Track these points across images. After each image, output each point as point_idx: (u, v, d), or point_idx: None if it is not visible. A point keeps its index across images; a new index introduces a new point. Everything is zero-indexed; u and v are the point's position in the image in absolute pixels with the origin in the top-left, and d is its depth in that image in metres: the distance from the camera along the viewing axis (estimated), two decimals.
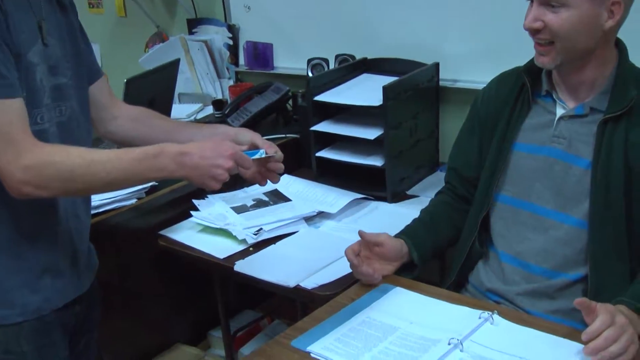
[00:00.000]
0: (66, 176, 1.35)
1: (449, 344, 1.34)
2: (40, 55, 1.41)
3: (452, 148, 1.88)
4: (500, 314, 1.45)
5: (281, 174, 1.62)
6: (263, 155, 1.54)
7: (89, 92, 1.61)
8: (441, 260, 2.46)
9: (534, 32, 1.54)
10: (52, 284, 1.50)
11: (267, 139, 1.61)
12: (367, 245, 1.67)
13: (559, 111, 1.62)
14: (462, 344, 1.34)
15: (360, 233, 1.66)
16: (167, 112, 2.74)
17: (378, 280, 1.64)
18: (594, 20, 1.48)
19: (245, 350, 2.46)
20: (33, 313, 1.47)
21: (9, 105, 1.31)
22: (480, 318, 1.43)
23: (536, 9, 1.52)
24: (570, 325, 1.47)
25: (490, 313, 1.44)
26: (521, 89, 1.69)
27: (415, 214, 1.87)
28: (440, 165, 2.54)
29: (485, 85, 1.82)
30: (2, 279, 1.43)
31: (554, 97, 1.63)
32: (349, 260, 1.64)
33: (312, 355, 1.38)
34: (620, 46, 1.59)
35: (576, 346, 1.31)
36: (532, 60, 1.63)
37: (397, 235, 1.73)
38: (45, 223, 1.48)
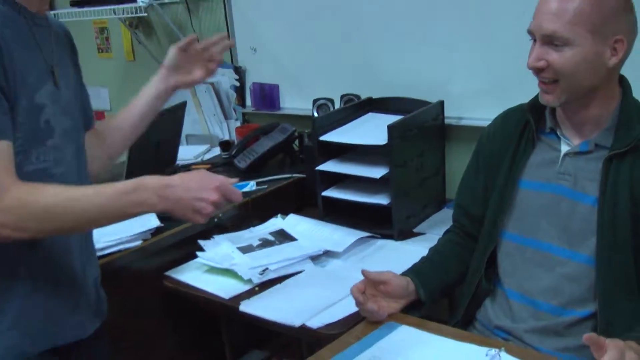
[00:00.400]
0: (41, 216, 1.33)
1: None
2: (50, 97, 1.43)
3: (459, 186, 1.88)
4: (508, 351, 1.44)
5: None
6: (253, 188, 1.54)
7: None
8: (449, 297, 2.45)
9: (537, 71, 1.55)
10: (45, 326, 1.48)
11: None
12: (372, 284, 1.66)
13: (564, 148, 1.62)
14: None
15: (364, 272, 1.65)
16: (174, 153, 2.76)
17: (383, 317, 1.63)
18: (598, 58, 1.49)
19: None
20: (16, 356, 1.43)
21: None
22: (487, 356, 1.42)
23: (539, 48, 1.53)
24: None
25: (497, 350, 1.43)
26: (525, 126, 1.69)
27: (423, 251, 1.87)
28: (446, 203, 2.54)
29: (490, 123, 1.82)
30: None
31: (558, 134, 1.64)
32: (354, 298, 1.63)
33: None
34: (623, 83, 1.59)
35: None
36: (536, 97, 1.63)
37: (403, 274, 1.73)
38: (60, 270, 1.49)
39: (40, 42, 1.46)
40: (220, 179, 1.45)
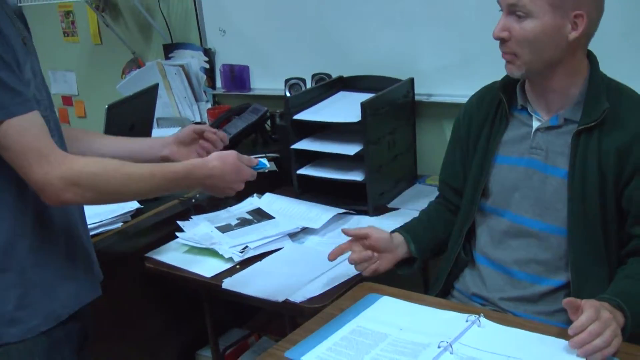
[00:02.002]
0: (102, 187, 1.45)
1: (439, 347, 1.38)
2: (31, 70, 1.45)
3: (442, 161, 1.94)
4: (486, 316, 1.49)
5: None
6: (273, 168, 1.71)
7: None
8: (424, 273, 2.51)
9: (501, 42, 1.60)
10: (68, 289, 1.55)
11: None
12: (356, 242, 1.73)
13: (535, 123, 1.67)
14: (451, 347, 1.38)
15: (344, 231, 1.73)
16: (147, 135, 2.76)
17: (375, 260, 1.72)
18: (557, 31, 1.54)
19: None
20: (54, 320, 1.51)
21: (29, 120, 1.37)
22: (467, 321, 1.47)
23: (505, 19, 1.58)
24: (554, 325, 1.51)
25: (477, 316, 1.48)
26: (499, 104, 1.75)
27: (396, 225, 1.91)
28: (418, 178, 2.60)
29: (465, 102, 1.88)
30: (25, 291, 1.47)
31: (529, 110, 1.69)
32: (342, 252, 1.74)
33: None
34: (591, 58, 1.64)
35: (562, 343, 1.36)
36: (507, 76, 1.68)
37: (394, 230, 1.79)
38: (63, 230, 1.55)
39: (10, 16, 1.46)
40: (250, 173, 1.64)
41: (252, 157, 1.67)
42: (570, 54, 1.58)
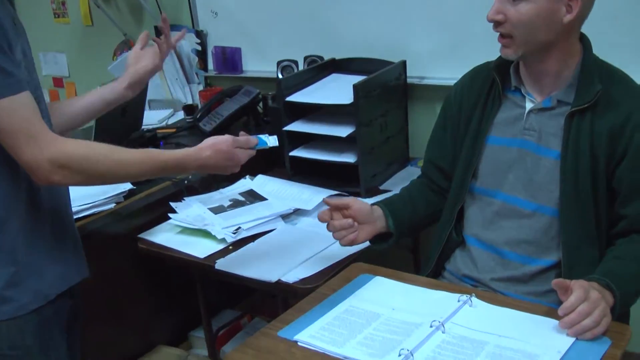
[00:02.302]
0: (91, 171, 1.46)
1: (431, 326, 1.40)
2: (22, 51, 1.45)
3: (428, 141, 1.94)
4: (478, 296, 1.51)
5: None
6: (276, 144, 1.71)
7: None
8: (414, 253, 2.53)
9: (495, 25, 1.61)
10: (56, 269, 1.56)
11: None
12: (337, 211, 1.73)
13: (528, 105, 1.68)
14: (443, 326, 1.40)
15: (326, 200, 1.74)
16: (139, 117, 2.76)
17: (354, 230, 1.71)
18: (552, 14, 1.54)
19: (227, 348, 2.49)
20: (43, 299, 1.52)
21: (19, 101, 1.37)
22: (459, 301, 1.49)
23: (498, 2, 1.58)
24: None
25: (468, 296, 1.50)
26: (492, 84, 1.75)
27: None
28: (410, 160, 2.61)
29: (457, 80, 1.88)
30: (16, 270, 1.48)
31: (523, 91, 1.69)
32: (322, 220, 1.72)
33: (299, 344, 1.42)
34: (584, 40, 1.65)
35: (551, 322, 1.38)
36: (501, 57, 1.68)
37: (373, 204, 1.80)
38: (53, 210, 1.57)
39: None
40: (247, 155, 1.66)
41: (252, 136, 1.68)
42: (565, 36, 1.59)
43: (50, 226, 1.56)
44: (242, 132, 1.70)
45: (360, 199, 1.80)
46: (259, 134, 1.73)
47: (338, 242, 1.74)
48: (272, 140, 1.71)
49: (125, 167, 1.51)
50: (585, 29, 1.64)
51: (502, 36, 1.61)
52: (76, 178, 1.45)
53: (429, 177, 1.91)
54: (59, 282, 1.58)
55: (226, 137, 1.64)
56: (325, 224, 1.73)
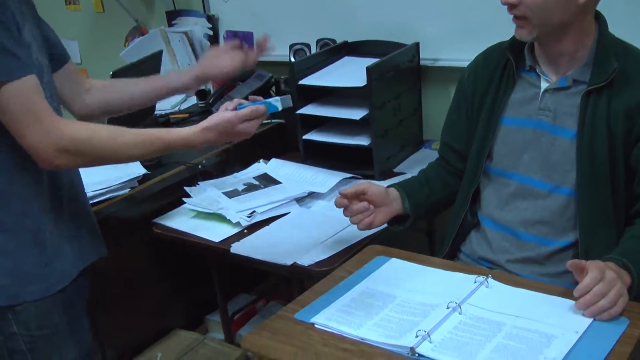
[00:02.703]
0: (93, 154, 1.47)
1: (448, 307, 1.40)
2: (30, 33, 1.45)
3: (444, 124, 1.93)
4: (494, 277, 1.51)
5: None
6: (289, 104, 1.67)
7: (66, 70, 1.71)
8: (430, 235, 2.52)
9: (510, 7, 1.59)
10: (74, 248, 1.59)
11: None
12: (354, 199, 1.73)
13: (543, 85, 1.67)
14: (460, 307, 1.39)
15: (341, 192, 1.72)
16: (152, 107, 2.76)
17: (371, 213, 1.71)
18: None
19: (243, 332, 2.50)
20: (67, 278, 1.56)
21: (26, 83, 1.37)
22: (475, 282, 1.49)
23: None
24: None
25: (484, 277, 1.49)
26: (506, 64, 1.74)
27: None
28: (424, 143, 2.60)
29: (471, 61, 1.86)
30: (40, 250, 1.51)
31: (537, 71, 1.68)
32: (339, 205, 1.72)
33: (316, 326, 1.42)
34: (600, 19, 1.63)
35: (568, 303, 1.37)
36: (515, 37, 1.67)
37: (389, 186, 1.79)
38: (68, 190, 1.59)
39: None
40: (252, 127, 1.59)
41: (259, 102, 1.60)
42: (581, 17, 1.57)
43: (67, 206, 1.58)
44: (251, 97, 1.65)
45: (374, 182, 1.80)
46: (269, 97, 1.66)
47: (353, 225, 1.74)
48: (284, 102, 1.64)
49: (128, 149, 1.51)
50: (600, 6, 1.62)
51: (517, 17, 1.60)
52: (79, 161, 1.47)
53: (445, 159, 1.91)
54: (79, 261, 1.61)
55: (229, 116, 1.56)
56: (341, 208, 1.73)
